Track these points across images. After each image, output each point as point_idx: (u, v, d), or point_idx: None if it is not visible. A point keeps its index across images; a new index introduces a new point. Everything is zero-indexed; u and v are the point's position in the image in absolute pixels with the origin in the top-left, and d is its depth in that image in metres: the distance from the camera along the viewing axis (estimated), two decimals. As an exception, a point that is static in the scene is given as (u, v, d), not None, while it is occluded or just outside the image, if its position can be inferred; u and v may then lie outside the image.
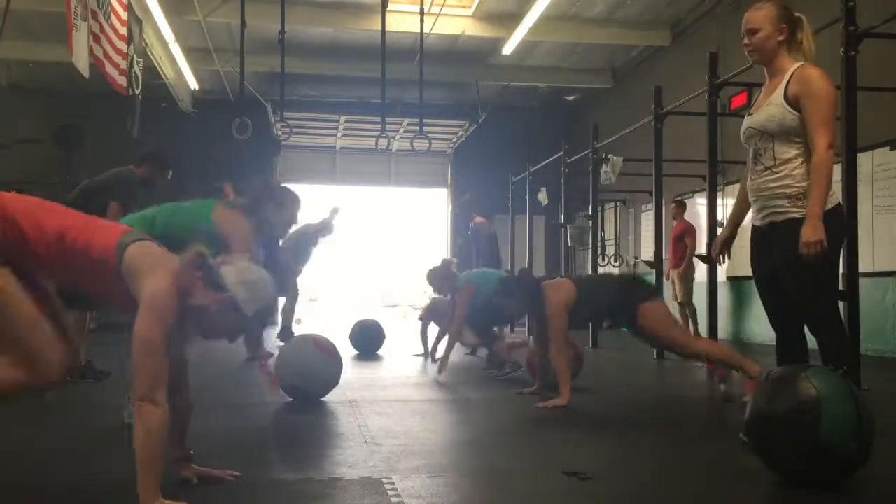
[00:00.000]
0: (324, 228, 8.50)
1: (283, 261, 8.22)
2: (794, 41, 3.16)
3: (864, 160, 6.65)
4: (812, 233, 2.90)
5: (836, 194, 3.12)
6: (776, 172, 3.08)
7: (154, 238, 2.47)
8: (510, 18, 10.62)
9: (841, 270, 4.73)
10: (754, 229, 3.26)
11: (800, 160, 3.04)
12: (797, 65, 3.10)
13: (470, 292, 5.81)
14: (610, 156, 9.26)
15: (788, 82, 3.07)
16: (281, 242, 9.89)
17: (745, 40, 3.21)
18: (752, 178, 3.22)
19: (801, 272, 2.99)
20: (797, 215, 3.00)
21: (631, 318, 4.47)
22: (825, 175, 2.95)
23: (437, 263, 6.35)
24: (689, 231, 9.07)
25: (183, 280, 2.25)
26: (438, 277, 6.16)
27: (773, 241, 3.12)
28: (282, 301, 8.18)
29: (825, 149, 2.95)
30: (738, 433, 3.16)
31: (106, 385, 5.26)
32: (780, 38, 3.13)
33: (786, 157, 3.06)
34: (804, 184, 3.01)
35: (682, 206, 9.28)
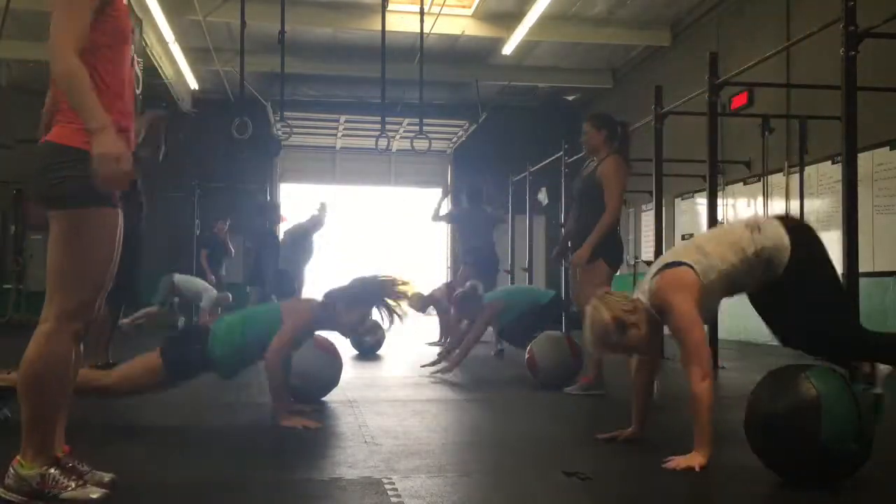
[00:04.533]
0: (315, 224, 8.78)
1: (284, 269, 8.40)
2: None
3: (864, 160, 6.65)
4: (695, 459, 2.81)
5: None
6: None
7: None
8: (510, 18, 10.62)
9: (841, 270, 4.76)
10: None
11: None
12: None
13: (495, 311, 5.90)
14: (610, 156, 9.25)
15: None
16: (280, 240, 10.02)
17: None
18: None
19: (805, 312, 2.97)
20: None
21: None
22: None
23: (465, 288, 6.18)
24: None
25: None
26: (466, 302, 6.07)
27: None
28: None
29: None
30: (738, 434, 3.15)
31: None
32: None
33: None
34: None
35: None
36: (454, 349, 6.07)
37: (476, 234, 8.30)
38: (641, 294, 3.11)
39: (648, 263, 9.13)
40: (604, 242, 4.74)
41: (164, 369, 3.64)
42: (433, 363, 6.10)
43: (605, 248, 4.75)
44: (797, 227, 3.08)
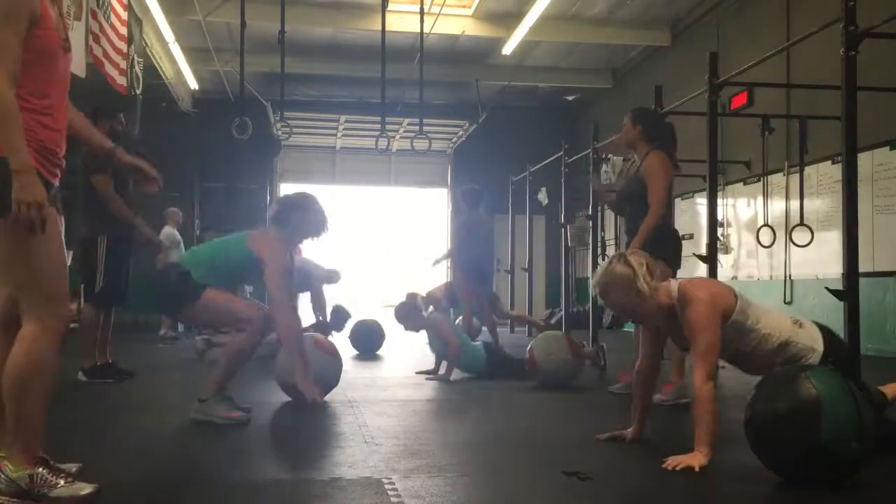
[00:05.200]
0: (329, 278, 8.62)
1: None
2: None
3: (864, 160, 6.66)
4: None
5: None
6: None
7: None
8: (510, 18, 10.62)
9: (841, 270, 4.75)
10: None
11: None
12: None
13: (446, 323, 5.91)
14: (610, 156, 9.26)
15: None
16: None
17: None
18: None
19: None
20: None
21: None
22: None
23: (403, 298, 5.98)
24: None
25: None
26: (407, 317, 5.91)
27: None
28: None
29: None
30: (738, 434, 3.15)
31: (126, 385, 5.27)
32: None
33: None
34: None
35: None
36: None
37: (475, 243, 8.20)
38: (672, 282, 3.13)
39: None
40: (659, 240, 4.44)
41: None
42: (429, 371, 6.01)
43: (660, 247, 4.34)
44: (832, 337, 3.15)
